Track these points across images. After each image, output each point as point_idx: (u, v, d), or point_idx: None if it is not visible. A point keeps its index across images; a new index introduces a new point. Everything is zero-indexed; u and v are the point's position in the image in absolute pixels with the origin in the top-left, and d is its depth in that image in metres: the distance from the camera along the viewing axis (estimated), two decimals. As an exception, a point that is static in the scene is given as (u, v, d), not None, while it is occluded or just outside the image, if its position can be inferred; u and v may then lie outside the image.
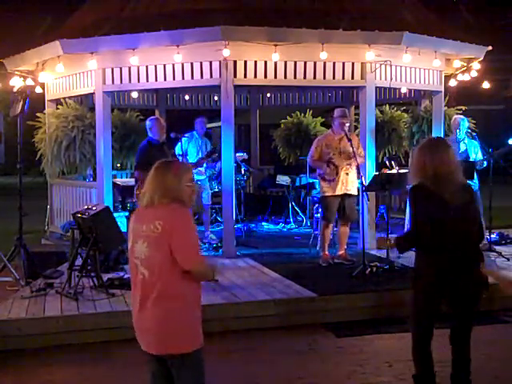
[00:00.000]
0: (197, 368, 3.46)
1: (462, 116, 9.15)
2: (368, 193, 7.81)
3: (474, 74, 10.22)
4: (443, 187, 4.11)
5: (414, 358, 4.37)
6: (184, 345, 3.41)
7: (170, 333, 3.40)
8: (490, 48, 9.69)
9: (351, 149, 7.72)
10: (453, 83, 10.49)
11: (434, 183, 4.12)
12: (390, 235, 7.42)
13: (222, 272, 6.97)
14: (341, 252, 8.13)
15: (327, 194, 7.90)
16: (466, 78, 10.38)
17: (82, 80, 9.36)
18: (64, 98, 9.87)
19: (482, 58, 9.90)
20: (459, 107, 10.60)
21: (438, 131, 9.66)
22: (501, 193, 8.56)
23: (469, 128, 9.14)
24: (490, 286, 4.33)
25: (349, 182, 7.93)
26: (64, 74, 9.57)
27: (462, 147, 8.90)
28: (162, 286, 3.37)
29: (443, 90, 9.85)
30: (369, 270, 7.41)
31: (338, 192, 7.87)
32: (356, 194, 8.03)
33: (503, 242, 9.30)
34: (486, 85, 10.82)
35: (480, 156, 8.85)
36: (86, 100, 10.32)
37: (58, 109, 9.94)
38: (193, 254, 3.43)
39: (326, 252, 8.05)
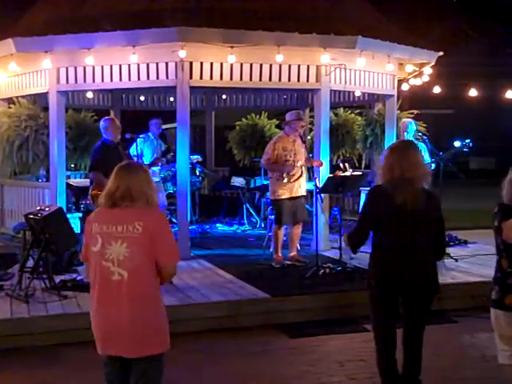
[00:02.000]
0: (161, 368, 3.55)
1: (410, 119, 9.35)
2: (322, 194, 7.90)
3: (425, 78, 10.43)
4: (401, 190, 4.13)
5: (379, 366, 4.38)
6: (160, 346, 3.49)
7: (150, 334, 3.45)
8: (441, 53, 9.91)
9: (304, 150, 7.81)
10: (405, 87, 10.68)
11: (395, 186, 4.16)
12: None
13: (176, 273, 6.96)
14: (293, 253, 8.19)
15: (283, 197, 7.94)
16: (417, 82, 10.58)
17: (36, 79, 9.23)
18: (17, 97, 9.72)
19: (433, 63, 10.11)
20: (411, 111, 10.81)
21: (390, 134, 9.83)
22: (450, 195, 8.72)
23: (418, 131, 9.32)
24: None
25: (302, 184, 8.03)
26: (17, 73, 9.42)
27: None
28: (141, 287, 3.41)
29: (396, 94, 10.03)
30: (322, 271, 7.49)
31: (294, 194, 7.94)
32: (305, 194, 8.12)
33: (451, 243, 9.48)
34: (436, 89, 11.04)
35: (427, 158, 9.03)
36: (40, 99, 10.17)
37: (10, 108, 9.79)
38: (175, 255, 3.55)
39: (280, 254, 8.11)
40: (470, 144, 8.62)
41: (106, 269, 3.42)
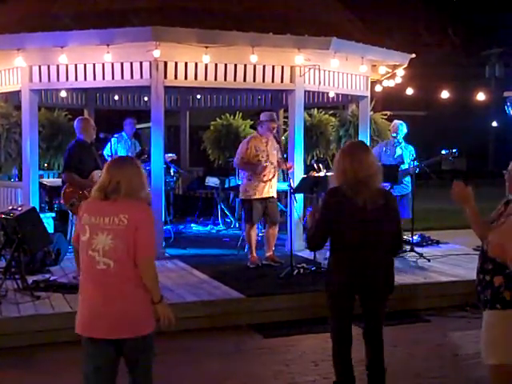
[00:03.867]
0: (152, 349, 3.72)
1: (400, 121, 9.45)
2: (296, 195, 7.93)
3: (398, 80, 10.52)
4: (359, 191, 4.18)
5: (334, 363, 4.45)
6: (148, 326, 3.65)
7: (140, 315, 3.62)
8: (413, 55, 10.02)
9: (278, 152, 7.84)
10: (378, 89, 10.77)
11: (351, 187, 4.19)
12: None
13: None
14: (269, 254, 8.21)
15: (254, 197, 7.96)
16: (391, 83, 10.67)
17: (8, 77, 9.14)
18: (-12, 96, 9.63)
19: (406, 65, 10.21)
20: (384, 112, 10.91)
21: (364, 135, 9.90)
22: (422, 196, 8.86)
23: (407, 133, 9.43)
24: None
25: (273, 185, 8.06)
26: (-12, 71, 9.32)
27: (398, 151, 9.21)
28: (126, 274, 3.58)
29: (369, 95, 10.10)
30: (296, 271, 7.53)
31: (265, 195, 7.96)
32: (275, 195, 8.16)
33: (424, 243, 9.60)
34: (409, 91, 11.16)
35: (409, 161, 9.15)
36: (12, 98, 10.06)
37: (-19, 106, 9.68)
38: (150, 252, 3.64)
39: (254, 254, 8.12)
40: (457, 153, 8.75)
41: (92, 258, 3.58)
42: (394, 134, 9.29)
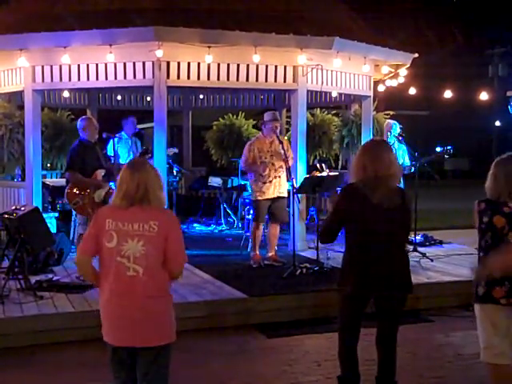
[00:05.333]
0: (169, 359, 3.70)
1: (394, 121, 9.45)
2: (299, 195, 7.93)
3: (401, 79, 10.52)
4: (377, 189, 4.16)
5: (340, 358, 4.45)
6: (168, 337, 3.65)
7: (160, 325, 3.61)
8: (416, 55, 10.00)
9: (282, 151, 7.83)
10: (381, 88, 10.76)
11: (369, 184, 4.18)
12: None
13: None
14: (271, 253, 8.21)
15: (260, 198, 7.97)
16: (393, 83, 10.66)
17: (11, 77, 9.15)
18: (-9, 96, 9.64)
19: (408, 65, 10.20)
20: (387, 112, 10.90)
21: (366, 135, 9.89)
22: (425, 196, 8.85)
23: (398, 133, 9.43)
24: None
25: (281, 185, 8.05)
26: (-9, 71, 9.33)
27: (392, 152, 9.18)
28: (155, 282, 3.56)
29: (372, 95, 10.10)
30: (299, 271, 7.53)
31: (271, 195, 7.97)
32: (286, 195, 8.15)
33: (427, 243, 9.60)
34: (412, 91, 11.15)
35: (407, 161, 9.15)
36: (15, 98, 10.08)
37: (-16, 106, 9.69)
38: (183, 257, 3.70)
39: (257, 253, 8.13)
40: (451, 150, 8.73)
41: (122, 264, 3.54)
42: (388, 134, 9.31)
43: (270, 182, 7.96)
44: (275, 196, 7.99)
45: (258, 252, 8.14)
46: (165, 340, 3.62)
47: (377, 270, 4.20)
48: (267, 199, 7.97)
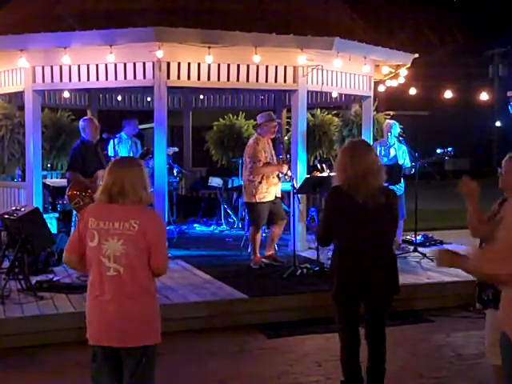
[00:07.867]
0: (154, 360, 3.64)
1: (393, 121, 9.45)
2: (299, 195, 7.93)
3: (401, 80, 10.52)
4: (359, 189, 4.18)
5: (343, 363, 4.46)
6: (153, 337, 3.59)
7: (148, 324, 3.57)
8: (416, 55, 10.01)
9: (283, 152, 7.83)
10: (381, 89, 10.76)
11: (351, 185, 4.20)
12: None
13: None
14: (270, 252, 8.20)
15: (264, 200, 7.86)
16: (394, 83, 10.66)
17: (11, 78, 9.14)
18: (-8, 96, 9.64)
19: (409, 65, 10.20)
20: (387, 112, 10.90)
21: (367, 135, 9.89)
22: (425, 196, 8.86)
23: (398, 134, 9.43)
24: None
25: (279, 185, 8.05)
26: (-9, 71, 9.34)
27: (392, 152, 9.19)
28: (137, 281, 3.53)
29: (372, 95, 10.09)
30: (299, 271, 7.53)
31: (272, 197, 7.94)
32: (280, 196, 8.15)
33: (428, 243, 9.58)
34: (412, 91, 11.15)
35: (408, 161, 9.15)
36: (15, 98, 10.09)
37: (-16, 107, 9.69)
38: (165, 256, 3.67)
39: (258, 255, 8.11)
40: (452, 152, 8.73)
41: (103, 264, 3.51)
42: (388, 134, 9.30)
43: (275, 184, 7.94)
44: (275, 197, 7.98)
45: (258, 254, 8.12)
46: (147, 341, 3.55)
47: (364, 270, 4.23)
48: (269, 201, 7.93)
